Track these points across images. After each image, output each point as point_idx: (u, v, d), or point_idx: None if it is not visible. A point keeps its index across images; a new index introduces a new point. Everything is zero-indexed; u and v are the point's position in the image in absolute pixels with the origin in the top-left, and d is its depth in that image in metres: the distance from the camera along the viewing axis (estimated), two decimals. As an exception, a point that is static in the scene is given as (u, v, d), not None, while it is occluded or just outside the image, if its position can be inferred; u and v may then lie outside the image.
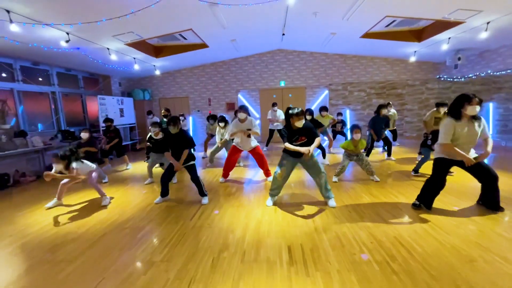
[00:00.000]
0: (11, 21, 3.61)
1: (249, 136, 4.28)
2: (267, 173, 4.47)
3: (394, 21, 5.85)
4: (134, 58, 6.86)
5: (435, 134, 3.73)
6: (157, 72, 8.31)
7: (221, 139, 5.70)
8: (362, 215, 2.94)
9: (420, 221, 2.70)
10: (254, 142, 4.42)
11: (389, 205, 3.18)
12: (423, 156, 4.40)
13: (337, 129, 7.03)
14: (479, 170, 2.74)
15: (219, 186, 4.28)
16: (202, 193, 3.58)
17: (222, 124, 5.68)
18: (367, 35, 6.70)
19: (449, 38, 6.16)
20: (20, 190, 4.65)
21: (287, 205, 3.32)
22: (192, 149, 3.68)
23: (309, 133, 3.10)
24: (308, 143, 3.10)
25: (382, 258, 2.09)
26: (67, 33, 4.61)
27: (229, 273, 1.99)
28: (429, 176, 2.98)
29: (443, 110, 4.77)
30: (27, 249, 2.53)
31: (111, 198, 3.84)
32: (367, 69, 9.02)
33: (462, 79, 7.90)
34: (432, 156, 3.06)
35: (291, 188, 3.99)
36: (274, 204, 3.35)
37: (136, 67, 7.07)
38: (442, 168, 2.84)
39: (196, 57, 8.23)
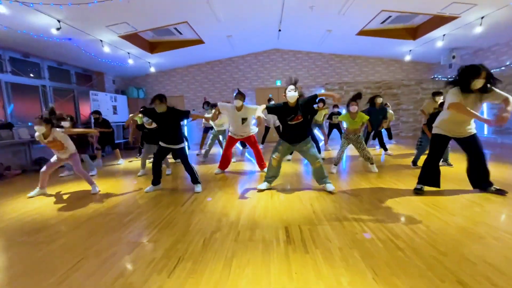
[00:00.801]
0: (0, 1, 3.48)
1: (244, 120, 4.02)
2: (261, 165, 4.32)
3: (389, 17, 5.88)
4: (129, 53, 6.75)
5: (433, 116, 3.65)
6: (152, 70, 8.20)
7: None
8: (361, 199, 2.81)
9: (423, 203, 2.59)
10: (253, 129, 4.21)
11: (389, 191, 3.06)
12: (421, 145, 4.33)
13: (334, 121, 6.63)
14: (470, 144, 2.75)
15: (213, 177, 4.13)
16: (195, 181, 3.40)
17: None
18: (363, 33, 6.72)
19: (444, 35, 6.21)
20: (3, 183, 4.41)
21: (284, 191, 3.19)
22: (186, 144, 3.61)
23: (305, 110, 2.96)
24: (304, 124, 3.00)
25: (386, 237, 1.96)
26: (58, 21, 4.50)
27: (222, 251, 1.84)
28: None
29: (439, 99, 4.77)
30: (3, 234, 2.33)
31: (99, 191, 3.59)
32: (363, 69, 9.05)
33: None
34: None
35: (287, 176, 3.85)
36: (269, 189, 3.23)
37: (130, 61, 6.96)
38: (439, 143, 2.82)
39: (192, 56, 8.16)
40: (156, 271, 1.63)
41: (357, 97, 3.90)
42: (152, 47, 7.12)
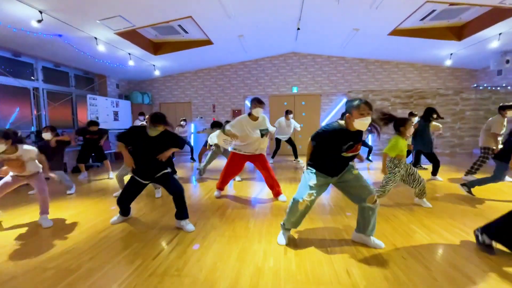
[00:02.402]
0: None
1: (264, 132, 3.22)
2: (277, 192, 3.38)
3: (433, 11, 4.87)
4: (129, 54, 6.11)
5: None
6: (157, 73, 7.56)
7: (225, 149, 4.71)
8: (425, 263, 1.80)
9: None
10: (264, 144, 3.36)
11: (462, 247, 2.03)
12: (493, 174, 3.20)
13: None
14: None
15: (210, 205, 3.23)
16: (183, 215, 2.50)
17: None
18: (397, 32, 5.73)
19: (500, 34, 5.10)
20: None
21: (303, 242, 2.21)
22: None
23: (360, 140, 2.00)
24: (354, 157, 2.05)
25: None
26: (40, 12, 3.85)
27: None
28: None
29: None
30: None
31: (50, 225, 2.68)
32: (392, 76, 7.98)
33: (509, 87, 6.72)
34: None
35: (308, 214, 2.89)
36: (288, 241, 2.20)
37: (131, 63, 6.30)
38: None
39: (201, 59, 7.45)
40: None
41: (407, 119, 2.86)
42: (156, 47, 6.45)
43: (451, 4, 4.42)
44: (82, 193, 3.95)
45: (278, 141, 6.51)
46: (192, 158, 7.29)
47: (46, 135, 3.83)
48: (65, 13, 4.07)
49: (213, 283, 1.63)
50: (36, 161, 2.80)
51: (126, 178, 3.08)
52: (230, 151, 3.50)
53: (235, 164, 3.41)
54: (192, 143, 7.65)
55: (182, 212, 2.48)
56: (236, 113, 8.50)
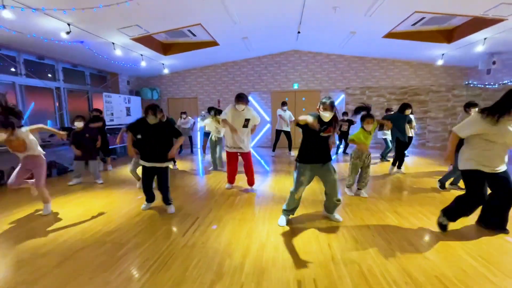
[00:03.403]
0: (3, 7, 3.33)
1: (247, 122, 3.78)
2: (251, 181, 4.03)
3: (423, 18, 5.28)
4: (141, 55, 6.59)
5: None
6: (166, 71, 8.03)
7: (217, 137, 5.32)
8: (389, 240, 2.40)
9: (468, 255, 2.14)
10: (249, 144, 3.95)
11: (423, 230, 2.62)
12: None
13: (344, 128, 6.85)
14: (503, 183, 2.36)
15: (222, 195, 3.84)
16: (168, 201, 3.18)
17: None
18: (391, 35, 6.14)
19: (485, 38, 5.51)
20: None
21: (297, 222, 2.83)
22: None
23: (334, 125, 2.66)
24: (327, 140, 2.70)
25: (424, 308, 1.56)
26: (68, 24, 4.35)
27: (220, 317, 1.52)
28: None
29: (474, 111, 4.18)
30: (46, 256, 2.18)
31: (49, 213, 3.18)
32: (388, 73, 8.40)
33: (496, 86, 7.16)
34: None
35: (304, 202, 3.48)
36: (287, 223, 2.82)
37: (143, 64, 6.79)
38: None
39: (207, 57, 7.89)
40: None
41: (370, 114, 3.50)
42: (166, 49, 6.92)
43: (437, 13, 4.84)
44: (108, 184, 4.56)
45: (278, 133, 7.08)
46: (192, 151, 7.98)
47: (79, 124, 4.40)
48: (89, 23, 4.56)
49: (230, 253, 2.24)
50: (38, 146, 3.06)
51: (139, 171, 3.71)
52: (225, 151, 4.01)
53: (233, 160, 3.98)
54: (199, 137, 8.26)
55: (166, 199, 3.17)
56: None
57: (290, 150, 7.35)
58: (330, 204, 2.83)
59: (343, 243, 2.37)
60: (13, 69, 5.37)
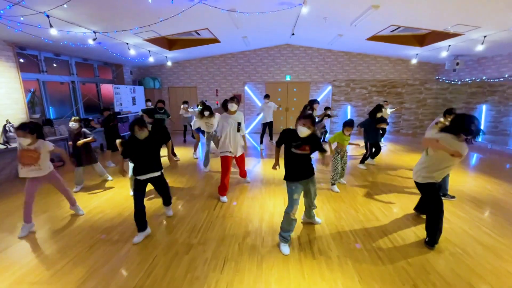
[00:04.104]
0: (50, 26, 3.95)
1: (239, 125, 3.78)
2: (244, 173, 4.48)
3: (398, 27, 6.19)
4: (149, 51, 7.17)
5: None
6: (169, 63, 8.61)
7: (209, 133, 5.30)
8: (358, 210, 3.53)
9: (405, 219, 3.30)
10: (241, 142, 3.98)
11: (381, 203, 3.78)
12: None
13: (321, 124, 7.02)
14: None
15: (232, 182, 4.84)
16: (169, 203, 3.34)
17: (207, 114, 5.08)
18: (373, 38, 7.04)
19: (449, 45, 6.54)
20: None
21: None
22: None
23: (314, 143, 2.60)
24: (308, 156, 2.66)
25: (371, 247, 2.69)
26: (94, 32, 4.95)
27: (253, 255, 2.59)
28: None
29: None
30: (83, 232, 3.09)
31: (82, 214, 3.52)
32: (370, 67, 9.38)
33: (459, 82, 8.34)
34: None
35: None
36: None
37: (151, 59, 7.40)
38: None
39: (206, 49, 8.51)
40: (211, 269, 2.38)
41: (350, 123, 4.20)
42: (171, 44, 7.50)
43: (409, 27, 5.77)
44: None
45: (263, 126, 7.40)
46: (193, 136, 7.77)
47: (74, 125, 4.18)
48: (111, 30, 5.16)
49: (250, 219, 3.29)
50: (49, 161, 3.04)
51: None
52: (220, 156, 3.85)
53: (228, 166, 3.84)
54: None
55: (168, 201, 3.32)
56: (237, 97, 9.78)
57: (271, 138, 7.80)
58: (310, 213, 3.09)
59: (327, 213, 3.48)
60: (38, 68, 5.91)
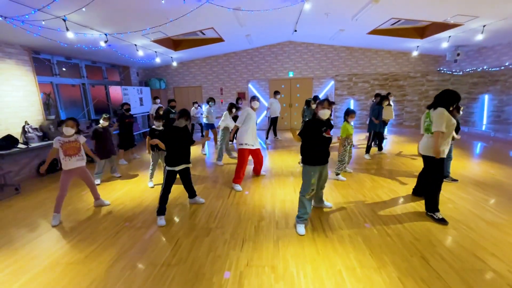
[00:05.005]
0: (67, 29, 4.15)
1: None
2: (259, 171, 4.69)
3: (399, 20, 6.33)
4: (156, 52, 7.37)
5: None
6: (174, 64, 8.81)
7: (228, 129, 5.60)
8: (365, 195, 3.69)
9: (411, 201, 3.46)
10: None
11: (387, 188, 3.93)
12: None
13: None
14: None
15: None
16: (195, 194, 3.62)
17: (234, 110, 5.71)
18: (374, 32, 7.18)
19: (449, 36, 6.66)
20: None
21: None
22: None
23: (331, 126, 2.81)
24: (331, 140, 2.84)
25: (380, 226, 2.85)
26: (106, 34, 5.15)
27: (269, 235, 2.76)
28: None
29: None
30: (107, 221, 3.29)
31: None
32: (372, 61, 9.50)
33: (461, 73, 8.44)
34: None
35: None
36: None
37: (158, 60, 7.60)
38: None
39: (210, 49, 8.69)
40: (231, 248, 2.56)
41: (353, 110, 4.38)
42: (176, 44, 7.70)
43: (409, 20, 5.91)
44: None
45: (271, 120, 7.65)
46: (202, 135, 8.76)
47: (104, 123, 4.60)
48: (122, 30, 5.36)
49: (263, 205, 3.47)
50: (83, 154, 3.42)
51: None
52: (239, 149, 4.20)
53: (245, 158, 4.19)
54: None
55: (193, 193, 3.61)
56: (241, 95, 9.97)
57: (275, 135, 8.12)
58: (319, 195, 3.22)
59: (335, 196, 3.65)
60: (51, 71, 6.14)
